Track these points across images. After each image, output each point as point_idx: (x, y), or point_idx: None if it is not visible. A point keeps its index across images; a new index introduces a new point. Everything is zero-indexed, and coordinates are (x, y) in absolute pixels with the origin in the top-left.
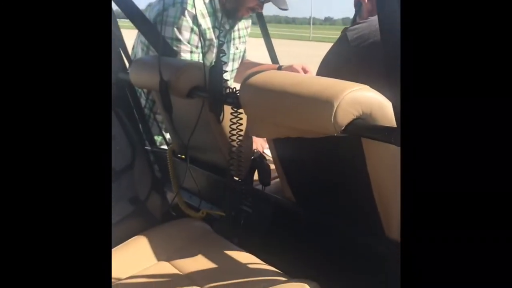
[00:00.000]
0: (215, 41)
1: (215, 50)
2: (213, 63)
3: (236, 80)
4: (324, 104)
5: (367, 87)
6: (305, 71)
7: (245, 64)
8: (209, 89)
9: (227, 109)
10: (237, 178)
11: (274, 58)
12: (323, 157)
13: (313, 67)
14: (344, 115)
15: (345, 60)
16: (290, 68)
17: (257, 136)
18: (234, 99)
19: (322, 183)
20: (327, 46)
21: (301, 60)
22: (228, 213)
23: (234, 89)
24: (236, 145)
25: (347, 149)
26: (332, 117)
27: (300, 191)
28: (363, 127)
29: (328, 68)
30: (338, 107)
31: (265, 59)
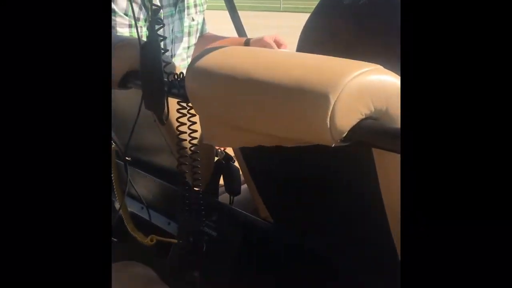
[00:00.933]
0: (162, 12)
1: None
2: (146, 39)
3: None
4: (314, 97)
5: (380, 67)
6: (278, 45)
7: (205, 38)
8: (142, 76)
9: (173, 102)
10: (196, 188)
11: (240, 30)
12: (314, 171)
13: (289, 40)
14: (347, 115)
15: (337, 27)
16: (260, 42)
17: (215, 145)
18: (180, 90)
19: (312, 205)
20: (299, 17)
21: (271, 33)
22: (184, 239)
23: (181, 75)
24: (190, 151)
25: (351, 162)
26: (328, 119)
27: (281, 212)
28: (376, 132)
29: (314, 39)
30: (337, 102)
31: (229, 33)
